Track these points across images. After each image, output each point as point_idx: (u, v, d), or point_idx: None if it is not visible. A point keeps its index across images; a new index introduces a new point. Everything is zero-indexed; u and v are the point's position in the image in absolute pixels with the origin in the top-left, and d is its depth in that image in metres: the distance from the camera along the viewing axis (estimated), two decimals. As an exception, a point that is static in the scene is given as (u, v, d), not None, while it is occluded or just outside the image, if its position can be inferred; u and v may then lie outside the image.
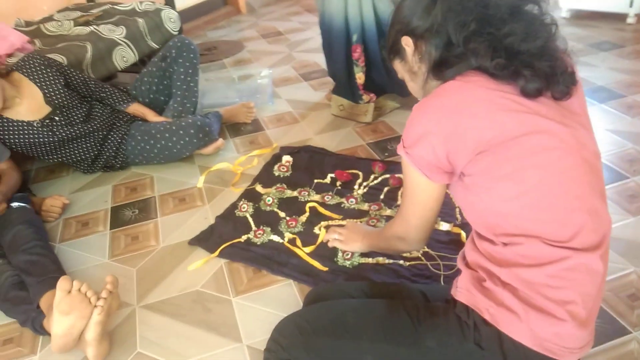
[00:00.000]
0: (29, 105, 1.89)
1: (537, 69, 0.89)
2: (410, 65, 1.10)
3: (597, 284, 0.89)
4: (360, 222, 1.66)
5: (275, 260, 1.53)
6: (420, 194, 1.02)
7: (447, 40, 0.97)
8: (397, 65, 1.15)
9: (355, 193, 1.80)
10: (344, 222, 1.65)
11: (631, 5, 2.98)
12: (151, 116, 2.17)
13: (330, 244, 1.53)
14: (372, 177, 1.88)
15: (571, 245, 0.86)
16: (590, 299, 0.88)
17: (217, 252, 1.58)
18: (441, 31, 0.97)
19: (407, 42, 1.06)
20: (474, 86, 0.92)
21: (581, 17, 3.24)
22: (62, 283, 1.24)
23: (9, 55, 2.18)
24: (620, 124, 2.05)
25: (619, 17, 3.09)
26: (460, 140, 0.90)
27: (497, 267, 0.90)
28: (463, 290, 0.94)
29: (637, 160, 1.81)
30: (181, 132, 2.02)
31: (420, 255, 1.49)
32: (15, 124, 1.86)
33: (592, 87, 2.37)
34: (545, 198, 0.88)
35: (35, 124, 1.89)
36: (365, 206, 1.73)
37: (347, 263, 1.48)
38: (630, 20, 3.04)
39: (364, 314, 1.02)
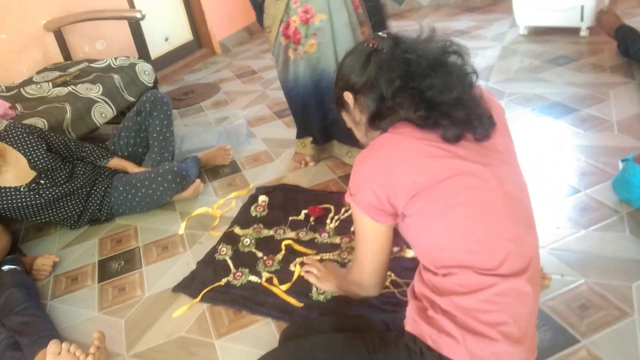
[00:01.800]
0: (15, 171, 2.00)
1: (454, 117, 1.00)
2: (353, 116, 1.22)
3: (528, 304, 1.00)
4: (333, 255, 1.76)
5: (254, 301, 1.62)
6: (370, 236, 1.13)
7: (380, 94, 1.09)
8: (344, 116, 1.28)
9: (327, 227, 1.90)
10: (318, 257, 1.75)
11: (582, 19, 3.13)
12: (131, 168, 2.28)
13: (306, 277, 1.62)
14: (343, 210, 1.98)
15: (499, 272, 0.97)
16: (523, 318, 0.99)
17: (199, 298, 1.67)
18: (375, 86, 1.10)
19: (348, 97, 1.19)
20: (403, 137, 1.04)
21: (538, 33, 3.40)
22: (52, 347, 1.35)
23: (-8, 123, 2.29)
24: (573, 138, 2.18)
25: (573, 31, 3.24)
26: (395, 185, 1.02)
27: (438, 296, 1.01)
28: (409, 320, 1.04)
29: (588, 174, 1.93)
30: (159, 179, 2.13)
31: (388, 284, 1.59)
32: (3, 190, 1.97)
33: (548, 103, 2.50)
34: (472, 232, 0.99)
35: (22, 189, 2.00)
36: (337, 239, 1.84)
37: (321, 297, 1.58)
38: (583, 33, 3.20)
39: (329, 349, 1.12)
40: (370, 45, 1.14)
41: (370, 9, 2.10)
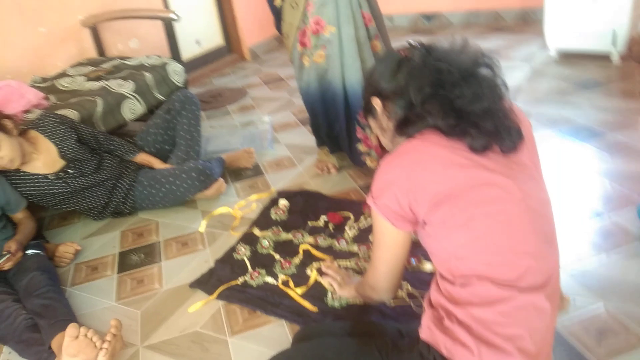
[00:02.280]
0: (45, 159, 2.05)
1: (482, 127, 1.01)
2: (380, 122, 1.24)
3: (545, 320, 0.99)
4: (349, 262, 1.76)
5: (269, 301, 1.63)
6: (387, 241, 1.13)
7: (409, 101, 1.10)
8: (371, 122, 1.29)
9: (346, 235, 1.91)
10: (335, 263, 1.76)
11: (613, 44, 3.11)
12: (157, 164, 2.33)
13: (329, 281, 1.62)
14: (362, 218, 1.99)
15: (518, 285, 0.97)
16: (539, 334, 0.98)
17: (215, 294, 1.69)
18: (404, 93, 1.11)
19: (376, 102, 1.20)
20: (429, 144, 1.05)
21: (568, 56, 3.38)
22: (70, 330, 1.37)
23: (26, 112, 2.36)
24: (599, 162, 2.15)
25: (604, 56, 3.22)
26: (418, 192, 1.02)
27: (454, 306, 1.00)
28: (425, 328, 1.04)
29: (613, 198, 1.91)
30: (184, 175, 2.17)
31: (404, 295, 1.58)
32: (33, 177, 2.02)
33: (575, 125, 2.48)
34: (493, 244, 0.99)
35: (50, 177, 2.05)
36: (354, 247, 1.84)
37: (336, 303, 1.58)
38: (614, 58, 3.17)
39: (342, 351, 1.12)
40: (402, 53, 1.16)
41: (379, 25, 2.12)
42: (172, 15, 2.86)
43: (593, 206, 1.88)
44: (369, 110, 1.26)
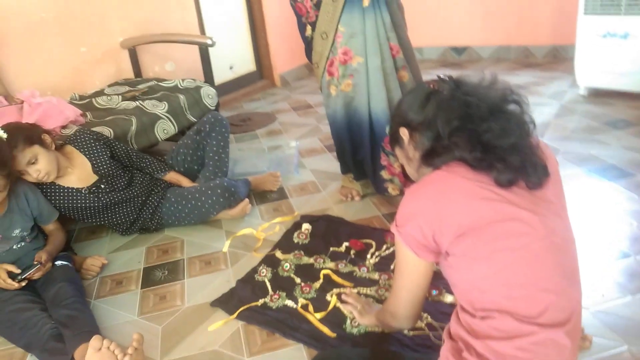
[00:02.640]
0: (79, 174, 2.13)
1: (508, 162, 1.02)
2: (406, 152, 1.26)
3: (565, 358, 0.98)
4: (370, 290, 1.77)
5: (288, 325, 1.64)
6: (409, 269, 1.14)
7: (437, 133, 1.12)
8: (397, 152, 1.32)
9: (367, 262, 1.92)
10: (355, 291, 1.76)
11: (646, 84, 3.09)
12: (186, 182, 2.39)
13: (348, 309, 1.63)
14: (384, 247, 2.00)
15: (538, 321, 0.96)
16: (558, 371, 0.97)
17: (235, 315, 1.71)
18: (432, 125, 1.13)
19: (404, 133, 1.23)
20: (455, 176, 1.07)
21: (598, 95, 3.36)
22: (94, 342, 1.41)
23: (64, 127, 2.45)
24: (627, 203, 2.13)
25: (635, 96, 3.20)
26: (443, 223, 1.04)
27: (474, 338, 1.01)
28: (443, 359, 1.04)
29: (639, 240, 1.88)
30: (209, 192, 2.22)
31: (423, 326, 1.58)
32: (66, 190, 2.09)
33: (603, 165, 2.46)
34: (516, 278, 0.99)
35: (83, 191, 2.12)
36: (375, 275, 1.84)
37: (355, 330, 1.58)
38: (645, 99, 3.15)
39: (359, 378, 1.13)
40: (431, 86, 1.19)
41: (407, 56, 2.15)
42: (208, 41, 2.96)
43: (620, 247, 1.85)
44: (396, 139, 1.28)
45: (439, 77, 1.21)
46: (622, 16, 3.07)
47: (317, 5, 2.05)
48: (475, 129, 1.07)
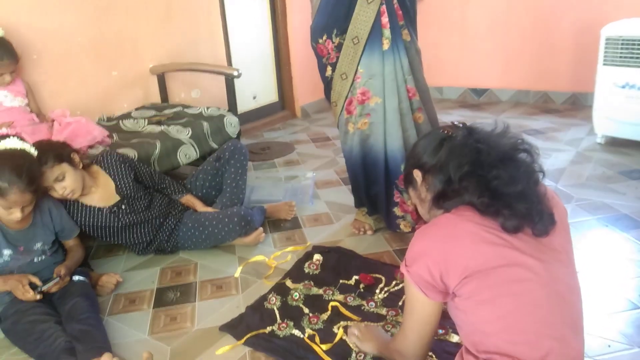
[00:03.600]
0: (102, 194, 2.21)
1: (515, 209, 1.07)
2: (419, 193, 1.31)
3: (565, 405, 1.00)
4: (378, 325, 1.79)
5: (294, 354, 1.67)
6: (418, 309, 1.18)
7: (448, 177, 1.18)
8: (410, 192, 1.37)
9: (376, 297, 1.95)
10: (362, 324, 1.79)
11: (663, 136, 3.11)
12: (200, 207, 2.45)
13: (348, 337, 1.66)
14: (393, 283, 2.02)
15: (539, 366, 0.99)
16: (558, 418, 0.99)
17: (242, 340, 1.74)
18: (444, 169, 1.19)
19: (417, 174, 1.28)
20: (464, 220, 1.11)
21: (615, 144, 3.38)
22: (105, 358, 1.45)
23: (91, 147, 2.55)
24: (638, 254, 2.13)
25: (652, 147, 3.22)
26: (450, 265, 1.08)
27: (476, 379, 1.03)
28: (445, 398, 1.06)
29: (650, 291, 1.88)
30: (226, 220, 2.28)
31: (428, 364, 1.59)
32: (88, 209, 2.17)
33: (616, 214, 2.47)
34: (518, 323, 1.02)
35: (104, 210, 2.19)
36: (383, 311, 1.87)
37: (359, 363, 1.61)
38: (662, 151, 3.16)
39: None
40: (445, 132, 1.24)
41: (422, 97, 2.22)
42: (234, 73, 3.06)
43: (629, 297, 1.85)
44: (409, 180, 1.34)
45: (453, 123, 1.26)
46: (641, 68, 3.12)
47: (339, 48, 2.13)
48: (484, 175, 1.11)
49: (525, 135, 3.54)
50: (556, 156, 3.27)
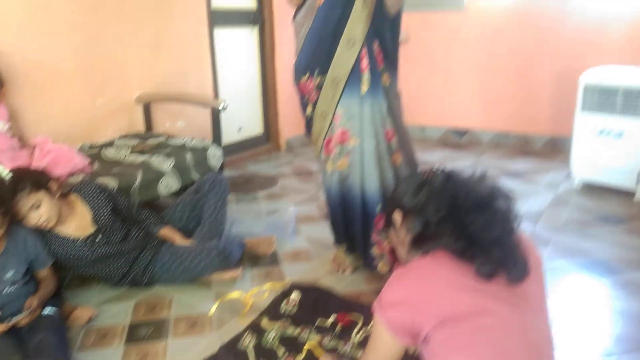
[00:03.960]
0: (78, 223, 2.17)
1: (490, 255, 1.08)
2: (398, 234, 1.32)
3: None
4: (352, 367, 1.77)
5: (267, 396, 1.63)
6: (382, 347, 1.17)
7: (427, 220, 1.19)
8: (390, 233, 1.38)
9: (352, 339, 1.92)
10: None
11: (638, 182, 3.18)
12: (178, 240, 2.43)
13: None
14: (370, 324, 2.00)
15: (511, 418, 0.98)
16: None
17: (215, 381, 1.70)
18: (423, 211, 1.20)
19: (398, 215, 1.29)
20: (438, 264, 1.12)
21: (592, 189, 3.45)
22: None
23: (70, 175, 2.52)
24: (613, 301, 2.15)
25: (628, 193, 3.28)
26: (424, 310, 1.08)
27: None
28: None
29: (624, 339, 1.89)
30: (204, 254, 2.26)
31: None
32: (62, 239, 2.13)
33: (592, 260, 2.50)
34: (490, 373, 1.02)
35: (78, 242, 2.15)
36: (359, 354, 1.84)
37: (333, 407, 1.57)
38: (637, 197, 3.22)
39: None
40: (425, 176, 1.26)
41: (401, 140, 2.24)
42: (219, 106, 3.08)
43: (604, 345, 1.86)
44: (389, 222, 1.35)
45: (432, 168, 1.28)
46: (618, 115, 3.21)
47: (319, 87, 2.16)
48: (461, 219, 1.13)
49: (504, 178, 3.60)
50: (534, 199, 3.32)
